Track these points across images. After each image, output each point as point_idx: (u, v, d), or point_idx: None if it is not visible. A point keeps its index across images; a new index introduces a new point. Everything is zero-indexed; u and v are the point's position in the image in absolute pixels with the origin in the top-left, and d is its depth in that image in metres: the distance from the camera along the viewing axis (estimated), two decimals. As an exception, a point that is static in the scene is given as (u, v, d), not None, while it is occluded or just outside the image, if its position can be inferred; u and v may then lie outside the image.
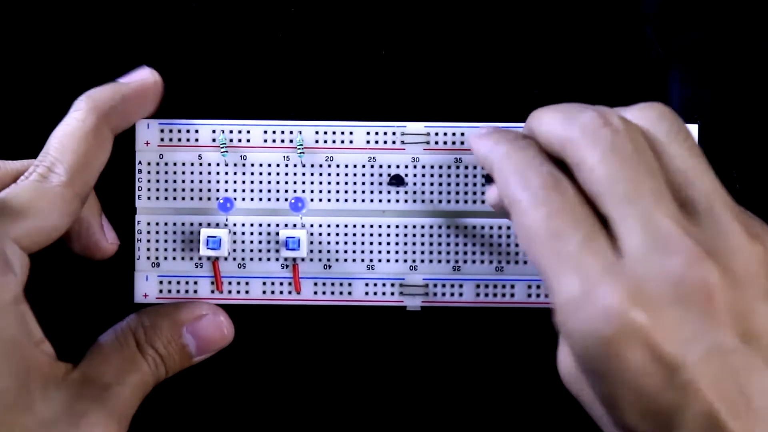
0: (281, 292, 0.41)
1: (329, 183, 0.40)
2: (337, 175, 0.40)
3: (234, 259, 0.40)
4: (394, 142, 0.40)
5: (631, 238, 0.29)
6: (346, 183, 0.40)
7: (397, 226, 0.40)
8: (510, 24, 0.42)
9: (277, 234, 0.40)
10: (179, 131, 0.40)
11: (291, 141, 0.40)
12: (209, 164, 0.40)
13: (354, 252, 0.41)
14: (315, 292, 0.41)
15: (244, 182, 0.40)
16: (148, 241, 0.41)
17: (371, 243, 0.41)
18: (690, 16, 0.43)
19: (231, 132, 0.40)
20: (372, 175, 0.40)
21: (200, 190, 0.40)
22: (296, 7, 0.42)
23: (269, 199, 0.41)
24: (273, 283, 0.41)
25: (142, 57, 0.42)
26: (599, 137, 0.31)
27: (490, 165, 0.34)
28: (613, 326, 0.28)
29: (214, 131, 0.40)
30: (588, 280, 0.29)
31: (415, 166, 0.40)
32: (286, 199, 0.40)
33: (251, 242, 0.41)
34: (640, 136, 0.31)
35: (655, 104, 0.32)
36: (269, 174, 0.40)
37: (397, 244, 0.40)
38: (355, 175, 0.40)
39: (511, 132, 0.35)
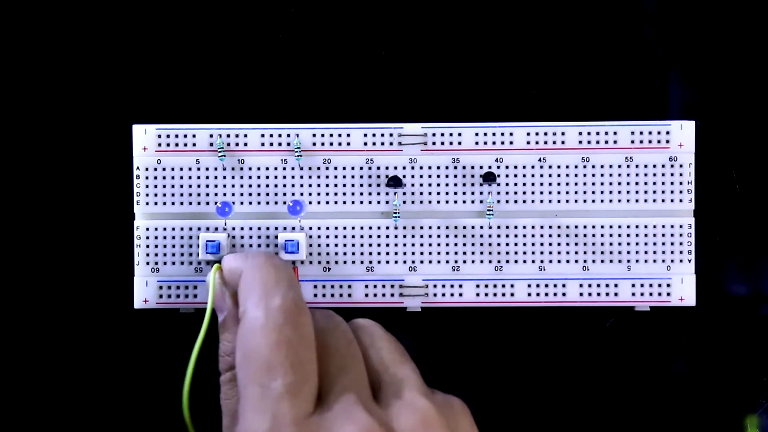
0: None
1: (327, 185, 0.40)
2: (335, 177, 0.40)
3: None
4: (391, 144, 0.40)
5: (329, 403, 0.31)
6: (344, 185, 0.40)
7: (395, 227, 0.40)
8: (509, 24, 0.42)
9: (276, 237, 0.40)
10: (176, 136, 0.40)
11: (288, 144, 0.40)
12: (207, 168, 0.40)
13: (353, 254, 0.41)
14: (315, 295, 0.41)
15: (242, 186, 0.40)
16: (147, 246, 0.41)
17: (370, 245, 0.40)
18: (690, 17, 0.43)
19: (228, 136, 0.40)
20: (370, 176, 0.40)
21: (198, 194, 0.40)
22: (294, 9, 0.42)
23: (267, 203, 0.41)
24: (272, 287, 0.41)
25: (140, 59, 0.42)
26: (328, 317, 0.35)
27: (239, 273, 0.34)
28: None
29: (211, 135, 0.40)
30: (278, 425, 0.30)
31: (413, 167, 0.40)
32: (285, 202, 0.40)
33: (250, 246, 0.40)
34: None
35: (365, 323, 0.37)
36: (267, 177, 0.40)
37: (396, 245, 0.40)
38: (353, 176, 0.40)
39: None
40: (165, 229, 0.41)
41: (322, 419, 0.31)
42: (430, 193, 0.40)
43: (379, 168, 0.40)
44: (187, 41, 0.42)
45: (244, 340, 0.32)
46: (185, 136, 0.40)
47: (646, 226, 0.41)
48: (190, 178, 0.40)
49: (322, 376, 0.32)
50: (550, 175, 0.41)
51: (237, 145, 0.40)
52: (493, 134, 0.41)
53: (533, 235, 0.41)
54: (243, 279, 0.34)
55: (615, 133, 0.41)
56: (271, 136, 0.40)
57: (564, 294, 0.41)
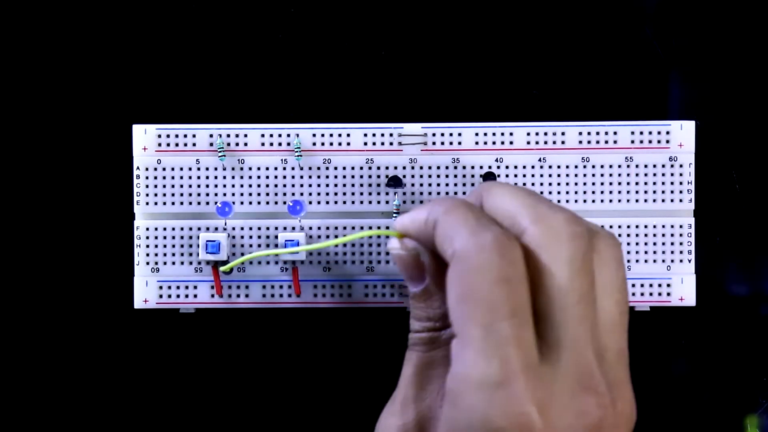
0: (281, 295, 0.41)
1: (327, 185, 0.40)
2: (335, 177, 0.40)
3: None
4: (391, 144, 0.40)
5: (561, 355, 0.29)
6: (344, 185, 0.40)
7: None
8: (509, 24, 0.42)
9: (276, 237, 0.40)
10: (176, 136, 0.40)
11: (288, 144, 0.40)
12: (207, 168, 0.40)
13: (353, 254, 0.41)
14: (315, 295, 0.41)
15: (242, 186, 0.40)
16: (147, 246, 0.41)
17: (370, 245, 0.40)
18: (690, 17, 0.43)
19: (228, 136, 0.40)
20: (370, 176, 0.40)
21: (198, 194, 0.40)
22: (294, 9, 0.42)
23: (268, 203, 0.40)
24: (273, 287, 0.41)
25: (140, 59, 0.42)
26: (572, 242, 0.29)
27: (433, 221, 0.31)
28: (512, 422, 0.28)
29: (211, 135, 0.40)
30: (507, 370, 0.28)
31: (413, 167, 0.40)
32: (285, 202, 0.40)
33: (250, 246, 0.40)
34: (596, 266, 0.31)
35: (617, 243, 0.31)
36: (267, 177, 0.40)
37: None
38: (353, 176, 0.40)
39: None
40: (165, 229, 0.41)
41: (556, 373, 0.29)
42: (430, 193, 0.40)
43: (379, 168, 0.40)
44: (187, 41, 0.42)
45: (459, 280, 0.29)
46: (185, 136, 0.40)
47: (646, 226, 0.41)
48: (190, 178, 0.40)
49: (548, 316, 0.29)
50: (550, 175, 0.41)
51: (237, 145, 0.40)
52: (493, 134, 0.41)
53: (533, 235, 0.41)
54: (440, 225, 0.30)
55: (615, 133, 0.41)
56: (271, 136, 0.40)
57: (564, 294, 0.41)
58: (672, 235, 0.41)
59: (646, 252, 0.41)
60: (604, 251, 0.30)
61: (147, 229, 0.41)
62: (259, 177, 0.40)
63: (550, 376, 0.28)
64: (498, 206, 0.31)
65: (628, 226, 0.41)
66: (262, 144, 0.40)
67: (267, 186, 0.40)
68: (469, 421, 0.28)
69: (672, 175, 0.41)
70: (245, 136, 0.40)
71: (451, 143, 0.40)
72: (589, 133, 0.41)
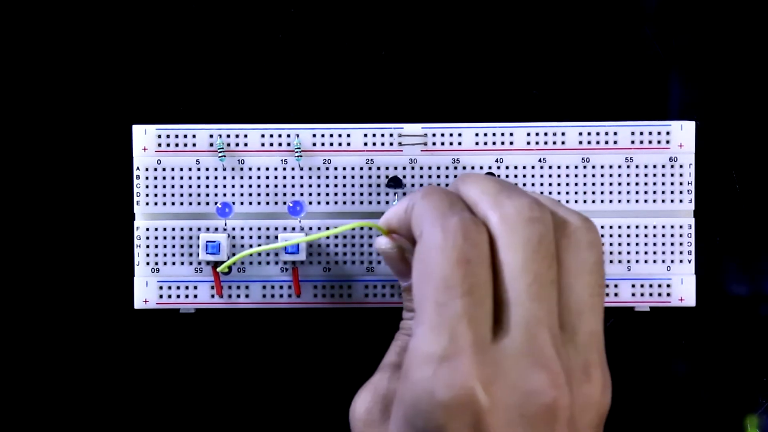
0: (281, 296, 0.41)
1: (327, 185, 0.40)
2: (335, 177, 0.40)
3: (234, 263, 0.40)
4: (391, 144, 0.40)
5: (513, 333, 0.29)
6: (344, 185, 0.40)
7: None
8: (509, 24, 0.42)
9: (276, 238, 0.40)
10: (176, 136, 0.40)
11: (288, 144, 0.40)
12: (207, 169, 0.40)
13: (353, 254, 0.41)
14: (315, 295, 0.41)
15: (242, 186, 0.40)
16: (147, 246, 0.41)
17: (370, 245, 0.40)
18: (690, 17, 0.43)
19: (228, 136, 0.40)
20: (370, 177, 0.40)
21: (198, 195, 0.40)
22: (294, 9, 0.42)
23: (268, 203, 0.40)
24: (273, 287, 0.41)
25: (140, 59, 0.42)
26: (529, 226, 0.30)
27: (411, 206, 0.33)
28: (454, 396, 0.28)
29: (211, 136, 0.40)
30: (456, 346, 0.29)
31: (413, 168, 0.40)
32: (285, 202, 0.40)
33: (251, 246, 0.40)
34: (555, 248, 0.31)
35: (591, 227, 0.32)
36: (267, 178, 0.40)
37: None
38: (353, 177, 0.40)
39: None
40: (165, 229, 0.41)
41: (505, 350, 0.29)
42: (430, 194, 0.40)
43: (379, 168, 0.40)
44: (187, 41, 0.42)
45: (422, 258, 0.30)
46: (185, 136, 0.40)
47: (646, 227, 0.41)
48: (190, 178, 0.40)
49: (504, 297, 0.30)
50: (550, 176, 0.41)
51: (237, 145, 0.40)
52: (493, 134, 0.41)
53: (533, 236, 0.41)
54: (414, 209, 0.32)
55: (615, 133, 0.41)
56: (271, 136, 0.40)
57: (564, 294, 0.41)
58: (672, 235, 0.41)
59: (646, 252, 0.41)
60: (574, 234, 0.31)
61: (147, 229, 0.41)
62: (259, 177, 0.40)
63: (500, 354, 0.29)
64: (467, 194, 0.32)
65: (628, 227, 0.41)
66: (262, 144, 0.40)
67: (267, 186, 0.40)
68: (415, 394, 0.29)
69: (672, 175, 0.41)
70: (245, 136, 0.40)
71: (451, 143, 0.40)
72: (589, 134, 0.41)
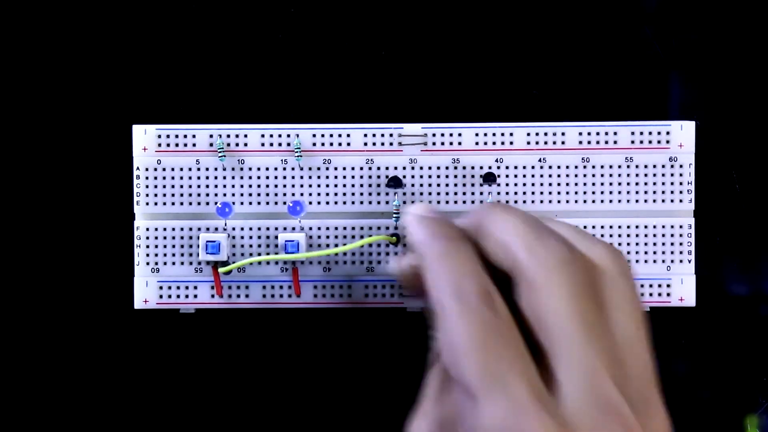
0: (281, 296, 0.41)
1: (327, 185, 0.40)
2: (335, 177, 0.40)
3: (233, 263, 0.40)
4: (391, 144, 0.40)
5: (572, 384, 0.28)
6: (344, 185, 0.40)
7: (396, 228, 0.40)
8: (509, 24, 0.42)
9: (276, 237, 0.40)
10: (176, 136, 0.40)
11: (288, 144, 0.40)
12: (207, 169, 0.40)
13: (353, 254, 0.41)
14: (315, 295, 0.41)
15: (242, 186, 0.40)
16: (147, 246, 0.41)
17: (370, 245, 0.40)
18: (689, 17, 0.42)
19: (228, 136, 0.40)
20: (370, 177, 0.40)
21: (198, 195, 0.40)
22: (294, 9, 0.42)
23: (268, 203, 0.40)
24: (273, 287, 0.41)
25: (140, 59, 0.42)
26: (567, 269, 0.29)
27: (421, 257, 0.31)
28: None
29: (211, 136, 0.40)
30: (517, 403, 0.27)
31: (413, 168, 0.40)
32: (285, 203, 0.40)
33: (250, 246, 0.40)
34: (600, 283, 0.30)
35: (619, 255, 0.31)
36: (267, 178, 0.40)
37: (395, 245, 0.40)
38: (353, 177, 0.40)
39: (451, 226, 0.32)
40: (165, 229, 0.41)
41: (569, 403, 0.27)
42: (430, 194, 0.40)
43: (379, 168, 0.40)
44: (187, 41, 0.42)
45: (448, 335, 0.29)
46: (185, 136, 0.40)
47: (646, 227, 0.41)
48: (190, 178, 0.40)
49: (551, 348, 0.28)
50: (550, 176, 0.41)
51: (237, 145, 0.40)
52: (493, 134, 0.41)
53: (533, 236, 0.41)
54: (429, 274, 0.30)
55: (615, 133, 0.41)
56: (271, 136, 0.40)
57: (564, 294, 0.41)
58: (672, 235, 0.41)
59: (646, 252, 0.41)
60: (607, 267, 0.30)
61: (147, 229, 0.41)
62: (259, 177, 0.40)
63: (565, 409, 0.27)
64: (493, 235, 0.31)
65: (628, 227, 0.41)
66: (262, 144, 0.40)
67: (267, 186, 0.40)
68: None
69: (672, 175, 0.41)
70: (245, 136, 0.40)
71: (451, 143, 0.40)
72: (589, 134, 0.41)
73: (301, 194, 0.40)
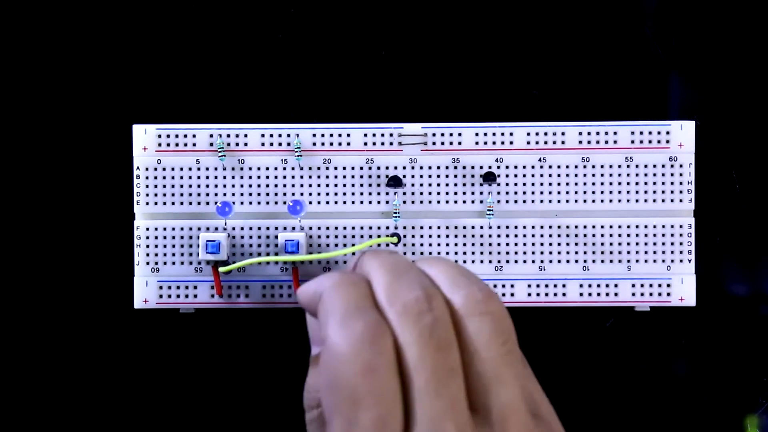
0: (281, 295, 0.41)
1: (327, 185, 0.40)
2: (335, 177, 0.40)
3: (233, 262, 0.40)
4: (391, 144, 0.40)
5: (418, 430, 0.28)
6: (344, 185, 0.40)
7: (395, 228, 0.40)
8: (509, 24, 0.42)
9: (276, 237, 0.40)
10: (176, 136, 0.40)
11: (288, 144, 0.40)
12: (207, 168, 0.40)
13: (353, 254, 0.40)
14: (314, 295, 0.41)
15: (242, 186, 0.40)
16: (147, 246, 0.41)
17: (369, 245, 0.40)
18: (690, 17, 0.43)
19: (228, 136, 0.40)
20: (370, 176, 0.40)
21: (198, 194, 0.40)
22: (294, 9, 0.42)
23: (267, 203, 0.40)
24: (273, 287, 0.41)
25: (139, 59, 0.42)
26: (419, 320, 0.29)
27: (318, 297, 0.32)
28: None
29: (211, 135, 0.40)
30: None
31: (413, 167, 0.40)
32: (285, 202, 0.40)
33: (250, 246, 0.40)
34: (453, 332, 0.30)
35: (491, 300, 0.31)
36: (267, 177, 0.40)
37: (395, 245, 0.40)
38: (353, 176, 0.40)
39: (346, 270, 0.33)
40: (165, 229, 0.41)
41: None
42: (430, 193, 0.40)
43: (379, 168, 0.40)
44: (187, 41, 0.42)
45: (328, 368, 0.29)
46: (185, 136, 0.40)
47: (646, 226, 0.41)
48: (190, 178, 0.40)
49: (409, 398, 0.29)
50: (550, 175, 0.41)
51: (237, 145, 0.40)
52: (493, 134, 0.41)
53: (533, 235, 0.41)
54: (322, 302, 0.31)
55: (615, 133, 0.41)
56: (271, 136, 0.40)
57: (564, 294, 0.41)
58: (672, 235, 0.41)
59: (646, 252, 0.41)
60: (463, 311, 0.31)
61: (147, 229, 0.41)
62: (259, 177, 0.40)
63: None
64: (372, 282, 0.31)
65: (628, 226, 0.41)
66: (262, 144, 0.40)
67: (267, 186, 0.40)
68: None
69: (672, 175, 0.41)
70: (245, 136, 0.40)
71: (451, 143, 0.40)
72: (589, 133, 0.41)
73: (301, 194, 0.40)
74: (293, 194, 0.40)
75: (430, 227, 0.40)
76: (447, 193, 0.40)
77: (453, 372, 0.29)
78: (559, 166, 0.41)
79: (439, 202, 0.40)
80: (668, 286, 0.41)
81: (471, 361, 0.30)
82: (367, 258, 0.32)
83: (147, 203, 0.40)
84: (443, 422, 0.28)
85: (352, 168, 0.40)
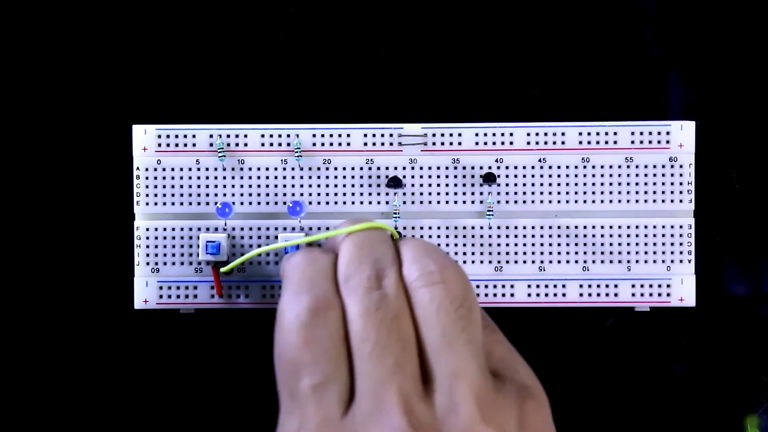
0: (281, 295, 0.41)
1: (327, 185, 0.40)
2: (335, 177, 0.40)
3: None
4: (391, 144, 0.40)
5: (361, 402, 0.29)
6: (344, 185, 0.40)
7: (395, 228, 0.40)
8: (509, 24, 0.42)
9: (276, 238, 0.40)
10: (176, 136, 0.40)
11: (288, 144, 0.40)
12: (207, 169, 0.40)
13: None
14: (314, 295, 0.41)
15: (242, 186, 0.40)
16: (147, 246, 0.41)
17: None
18: (690, 17, 0.43)
19: (228, 136, 0.40)
20: (370, 177, 0.40)
21: (198, 194, 0.40)
22: (294, 9, 0.42)
23: (267, 203, 0.40)
24: (273, 287, 0.41)
25: (139, 59, 0.42)
26: (366, 296, 0.30)
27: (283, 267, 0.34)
28: None
29: (211, 136, 0.40)
30: (305, 427, 0.29)
31: (413, 168, 0.40)
32: (285, 202, 0.40)
33: (250, 246, 0.40)
34: (405, 305, 0.31)
35: (445, 270, 0.31)
36: (267, 177, 0.40)
37: (395, 245, 0.40)
38: (353, 177, 0.40)
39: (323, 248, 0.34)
40: (165, 229, 0.41)
41: (353, 423, 0.29)
42: (430, 194, 0.40)
43: (379, 168, 0.40)
44: (186, 41, 0.42)
45: (276, 339, 0.31)
46: (185, 136, 0.40)
47: (646, 227, 0.41)
48: (190, 178, 0.40)
49: (358, 367, 0.30)
50: (550, 176, 0.41)
51: (237, 145, 0.40)
52: (493, 134, 0.41)
53: (533, 236, 0.41)
54: (282, 270, 0.33)
55: (615, 133, 0.41)
56: (271, 136, 0.40)
57: (564, 294, 0.41)
58: (672, 235, 0.41)
59: (646, 252, 0.41)
60: (413, 283, 0.31)
61: (147, 229, 0.41)
62: (259, 177, 0.40)
63: (350, 427, 0.29)
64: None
65: (628, 227, 0.41)
66: (262, 144, 0.40)
67: (267, 186, 0.40)
68: None
69: (672, 175, 0.41)
70: (245, 136, 0.40)
71: (451, 143, 0.40)
72: (589, 134, 0.41)
73: (301, 194, 0.40)
74: (293, 195, 0.40)
75: (430, 227, 0.40)
76: (447, 194, 0.40)
77: (401, 343, 0.30)
78: (559, 167, 0.41)
79: (439, 202, 0.40)
80: (668, 286, 0.41)
81: (421, 331, 0.30)
82: (346, 235, 0.33)
83: (147, 203, 0.40)
84: (385, 389, 0.29)
85: (352, 168, 0.40)
